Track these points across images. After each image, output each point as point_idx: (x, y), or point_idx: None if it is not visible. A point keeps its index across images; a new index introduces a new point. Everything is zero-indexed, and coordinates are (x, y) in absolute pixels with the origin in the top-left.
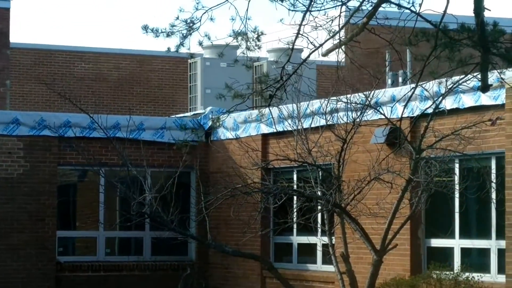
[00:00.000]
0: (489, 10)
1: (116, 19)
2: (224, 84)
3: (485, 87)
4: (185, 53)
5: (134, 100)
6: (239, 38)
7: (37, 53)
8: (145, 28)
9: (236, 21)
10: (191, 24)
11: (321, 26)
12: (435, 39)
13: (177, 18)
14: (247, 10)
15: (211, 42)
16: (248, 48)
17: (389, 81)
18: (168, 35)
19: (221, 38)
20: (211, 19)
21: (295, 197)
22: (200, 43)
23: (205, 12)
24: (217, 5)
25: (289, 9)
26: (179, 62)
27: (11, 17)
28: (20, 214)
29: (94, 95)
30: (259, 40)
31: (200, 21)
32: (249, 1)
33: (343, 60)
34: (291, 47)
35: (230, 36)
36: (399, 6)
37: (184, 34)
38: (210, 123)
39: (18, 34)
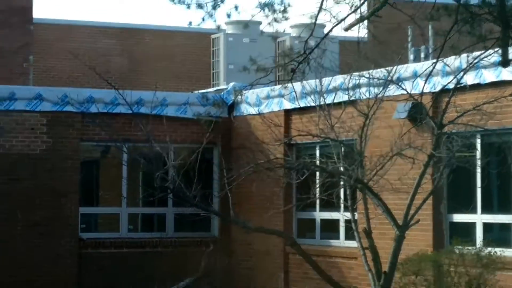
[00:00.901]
0: None
1: None
2: (246, 59)
3: (505, 62)
4: (213, 26)
5: (157, 75)
6: (266, 9)
7: (60, 28)
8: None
9: None
10: None
11: (343, 0)
12: (456, 14)
13: None
14: None
15: (239, 13)
16: (275, 20)
17: (411, 57)
18: (198, 7)
19: (248, 10)
20: None
21: (317, 173)
22: (228, 15)
23: None
24: None
25: None
26: (202, 38)
27: None
28: (42, 190)
29: (117, 71)
30: (286, 12)
31: None
32: None
33: (366, 36)
34: (313, 21)
35: (257, 7)
36: None
37: (212, 6)
38: (232, 97)
39: (41, 9)
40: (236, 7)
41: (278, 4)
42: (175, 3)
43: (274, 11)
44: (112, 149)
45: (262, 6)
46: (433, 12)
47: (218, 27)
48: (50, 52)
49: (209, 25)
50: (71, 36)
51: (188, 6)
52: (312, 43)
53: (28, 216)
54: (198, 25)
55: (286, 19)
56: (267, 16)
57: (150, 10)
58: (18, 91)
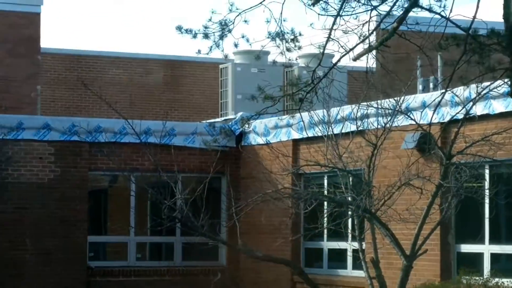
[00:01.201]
0: None
1: (147, 24)
2: (255, 89)
3: None
4: (220, 55)
5: (165, 105)
6: (277, 39)
7: (68, 58)
8: (180, 28)
9: (271, 23)
10: (224, 26)
11: (352, 30)
12: (465, 44)
13: (210, 19)
14: (281, 11)
15: (250, 44)
16: (287, 49)
17: (420, 87)
18: (205, 36)
19: (257, 40)
20: (245, 21)
21: (325, 203)
22: (236, 45)
23: (238, 15)
24: (251, 7)
25: (319, 14)
26: (210, 68)
27: (42, 22)
28: (51, 219)
29: (126, 100)
30: (297, 41)
31: (233, 23)
32: (283, 3)
33: (374, 65)
34: (322, 51)
35: (267, 37)
36: (429, 10)
37: (219, 36)
38: (240, 126)
39: (49, 39)
40: (243, 36)
41: (288, 33)
42: (182, 33)
43: (285, 40)
44: (120, 178)
45: (273, 37)
46: (442, 42)
47: (226, 56)
48: (58, 82)
49: (217, 54)
50: (79, 66)
51: (195, 36)
52: (320, 73)
53: (37, 244)
54: (207, 54)
55: (299, 48)
56: (278, 46)
57: (159, 40)
58: (26, 120)
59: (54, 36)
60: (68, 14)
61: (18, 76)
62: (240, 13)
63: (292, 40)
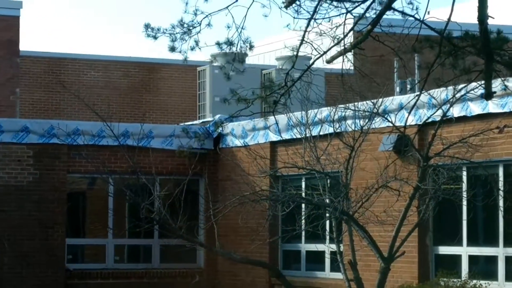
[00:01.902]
0: (493, 18)
1: (125, 27)
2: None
3: (488, 95)
4: (182, 58)
5: (143, 108)
6: (229, 48)
7: (47, 61)
8: (147, 26)
9: (232, 29)
10: (190, 28)
11: (325, 33)
12: (439, 46)
13: (181, 20)
14: (245, 16)
15: (199, 48)
16: (236, 59)
17: (397, 89)
18: (171, 36)
19: (210, 45)
20: (209, 24)
21: (303, 205)
22: (192, 48)
23: (205, 17)
24: (217, 10)
25: (293, 17)
26: (188, 70)
27: (21, 25)
28: (29, 221)
29: (104, 103)
30: (249, 50)
31: (200, 25)
32: (246, 13)
33: (351, 67)
34: (295, 53)
35: (222, 44)
36: (403, 13)
37: (181, 36)
38: (214, 129)
39: (28, 43)
40: (196, 42)
41: (243, 42)
42: (147, 31)
43: (236, 51)
44: (99, 181)
45: (227, 44)
46: (416, 45)
47: (185, 59)
48: (37, 84)
49: (194, 57)
50: (57, 69)
51: (155, 37)
52: (297, 75)
53: (15, 247)
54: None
55: (243, 60)
56: (226, 54)
57: (137, 43)
58: (4, 123)
59: (33, 39)
60: (47, 18)
61: None
62: (206, 15)
63: (246, 50)
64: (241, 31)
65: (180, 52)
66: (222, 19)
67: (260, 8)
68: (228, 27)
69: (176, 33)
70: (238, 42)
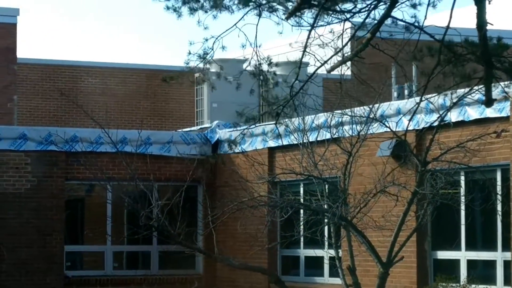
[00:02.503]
0: (492, 25)
1: (122, 34)
2: (230, 98)
3: (489, 101)
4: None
5: (141, 114)
6: (257, 76)
7: (44, 68)
8: (165, 79)
9: (246, 47)
10: (205, 56)
11: (326, 44)
12: (439, 54)
13: (189, 53)
14: (256, 37)
15: (226, 78)
16: (265, 81)
17: (395, 94)
18: (189, 73)
19: (218, 58)
20: (223, 47)
21: (301, 211)
22: (219, 76)
23: (215, 41)
24: (226, 31)
25: (293, 25)
26: (185, 76)
27: (18, 32)
28: (28, 229)
29: (101, 110)
30: (271, 67)
31: (213, 49)
32: (256, 33)
33: (349, 73)
34: (298, 65)
35: (247, 73)
36: (402, 21)
37: (202, 68)
38: (216, 135)
39: (25, 50)
40: (221, 68)
41: (264, 60)
42: (168, 82)
43: (263, 74)
44: (97, 187)
45: (252, 74)
46: (416, 53)
47: (212, 88)
48: (34, 92)
49: (193, 63)
50: (54, 76)
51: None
52: (296, 82)
53: (13, 254)
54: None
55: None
56: (258, 78)
57: (133, 49)
58: (2, 130)
59: (30, 46)
60: (44, 25)
61: None
62: (216, 38)
63: (269, 65)
64: (257, 49)
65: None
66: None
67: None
68: (243, 46)
69: (193, 67)
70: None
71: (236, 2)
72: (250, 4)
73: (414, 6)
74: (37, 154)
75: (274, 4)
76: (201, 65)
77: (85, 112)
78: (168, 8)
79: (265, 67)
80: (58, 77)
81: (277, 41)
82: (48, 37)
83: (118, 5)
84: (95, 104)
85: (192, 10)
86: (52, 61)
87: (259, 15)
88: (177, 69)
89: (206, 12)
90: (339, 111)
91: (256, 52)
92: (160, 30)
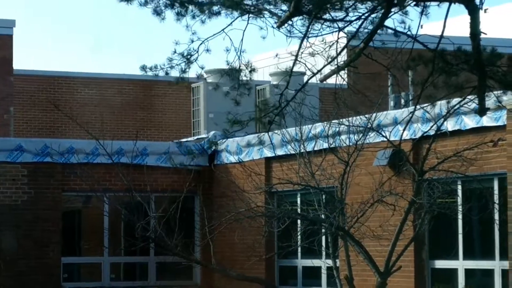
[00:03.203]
0: (485, 34)
1: (118, 45)
2: (227, 108)
3: (482, 111)
4: (185, 83)
5: (138, 125)
6: (233, 73)
7: (40, 80)
8: (144, 68)
9: (231, 52)
10: (188, 57)
11: (318, 53)
12: (432, 63)
13: (175, 52)
14: (241, 40)
15: (205, 78)
16: (242, 84)
17: (391, 103)
18: (166, 73)
19: (215, 68)
20: (207, 50)
21: (299, 221)
22: (198, 77)
23: (201, 43)
24: (213, 35)
25: (286, 35)
26: (182, 87)
27: (14, 44)
28: (25, 240)
29: (98, 121)
30: (251, 74)
31: (197, 52)
32: (244, 31)
33: (345, 83)
34: (289, 73)
35: (224, 71)
36: (395, 30)
37: (183, 68)
38: (208, 147)
39: (21, 61)
40: (202, 68)
41: (245, 66)
42: (146, 72)
43: (240, 75)
44: (94, 199)
45: (230, 72)
46: (410, 63)
47: (190, 84)
48: (31, 103)
49: (189, 74)
50: (51, 87)
51: (156, 75)
52: (292, 91)
53: (10, 266)
54: (176, 83)
55: (249, 82)
56: (232, 78)
57: (129, 60)
58: None
59: (26, 57)
60: (40, 36)
61: None
62: (202, 41)
63: (249, 72)
64: (240, 54)
65: (185, 80)
66: (217, 40)
67: (253, 26)
68: (227, 50)
69: (175, 65)
70: (239, 66)
71: (225, 5)
72: (240, 9)
73: (405, 13)
74: (34, 166)
75: (265, 9)
76: (183, 65)
77: (79, 125)
78: (155, 12)
79: (246, 73)
80: (55, 88)
81: (272, 52)
82: (44, 48)
83: (113, 17)
84: (91, 115)
85: (180, 16)
86: (48, 72)
87: (247, 20)
88: (174, 80)
89: (194, 17)
90: (336, 121)
91: (239, 57)
92: (157, 42)
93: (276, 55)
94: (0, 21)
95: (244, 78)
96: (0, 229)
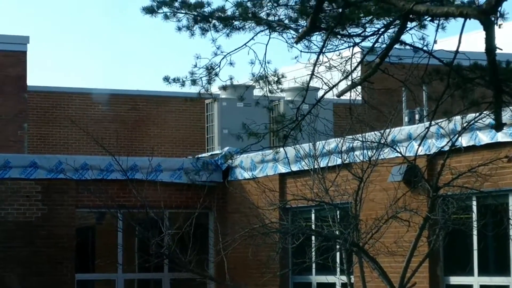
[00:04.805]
0: (501, 49)
1: (132, 60)
2: (240, 124)
3: (498, 126)
4: (209, 97)
5: (152, 141)
6: (260, 81)
7: (54, 96)
8: (167, 79)
9: (256, 65)
10: (211, 70)
11: (334, 67)
12: (448, 78)
13: (195, 65)
14: (265, 53)
15: (234, 86)
16: (270, 92)
17: (406, 119)
18: (193, 83)
19: (241, 81)
20: (230, 63)
21: (313, 237)
22: (224, 88)
23: (223, 57)
24: (235, 49)
25: (301, 51)
26: (195, 103)
27: (28, 60)
28: (39, 257)
29: (112, 137)
30: (280, 83)
31: (219, 66)
32: (266, 45)
33: (360, 98)
34: (305, 88)
35: (251, 80)
36: (412, 46)
37: (207, 81)
38: (224, 162)
39: (35, 78)
40: (231, 79)
41: (272, 74)
42: (169, 83)
43: (268, 82)
44: (107, 215)
45: (257, 80)
46: (425, 77)
47: (215, 100)
48: (45, 119)
49: (207, 97)
50: (65, 104)
51: (183, 84)
52: (306, 107)
53: (25, 283)
54: (192, 100)
55: (281, 90)
56: (262, 88)
57: (143, 76)
58: (12, 159)
59: (40, 74)
60: (54, 52)
61: (5, 114)
62: (225, 55)
63: (276, 82)
64: (266, 65)
65: (208, 92)
66: (237, 55)
67: (271, 43)
68: (252, 63)
69: (200, 77)
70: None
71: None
72: (264, 24)
73: (423, 26)
74: (48, 182)
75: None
76: (206, 79)
77: (95, 140)
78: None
79: (273, 85)
80: (68, 105)
81: (289, 67)
82: (58, 65)
83: (127, 33)
84: (105, 131)
85: (204, 31)
86: (62, 89)
87: (269, 35)
88: (188, 96)
89: (217, 31)
90: (350, 137)
91: (264, 69)
92: (171, 57)
93: (295, 57)
94: (14, 37)
95: (274, 86)
96: (14, 246)
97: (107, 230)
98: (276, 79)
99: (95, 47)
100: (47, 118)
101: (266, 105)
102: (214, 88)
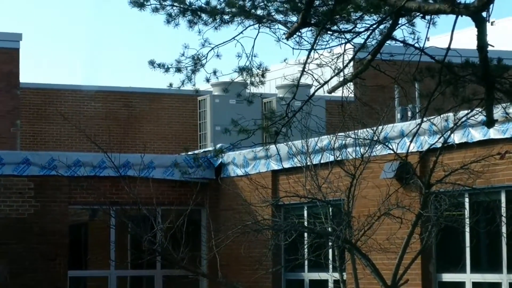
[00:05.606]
0: (493, 46)
1: (124, 57)
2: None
3: (490, 122)
4: (192, 89)
5: (144, 138)
6: (244, 73)
7: (47, 93)
8: (152, 63)
9: (242, 58)
10: (197, 61)
11: (326, 64)
12: (439, 75)
13: (183, 54)
14: (253, 46)
15: (217, 78)
16: (252, 84)
17: (398, 116)
18: (177, 70)
19: (226, 74)
20: (217, 55)
21: (305, 234)
22: (208, 80)
23: (211, 49)
24: (223, 42)
25: (293, 48)
26: (188, 100)
27: (21, 57)
28: (31, 254)
29: (104, 134)
30: (263, 76)
31: (206, 58)
32: (255, 39)
33: (352, 95)
34: (296, 84)
35: (235, 72)
36: (403, 43)
37: (191, 70)
38: (220, 160)
39: (28, 75)
40: (214, 72)
41: (257, 67)
42: (154, 67)
43: (251, 75)
44: (100, 212)
45: (240, 71)
46: (417, 75)
47: (197, 91)
48: (37, 116)
49: (190, 86)
50: (57, 101)
51: (167, 70)
52: (298, 103)
53: (17, 279)
54: (178, 87)
55: (263, 83)
56: (245, 80)
57: (136, 73)
58: (5, 155)
59: (33, 71)
60: (46, 49)
61: None
62: (212, 48)
63: (259, 75)
64: (252, 59)
65: (191, 83)
66: (225, 49)
67: (261, 39)
68: (239, 56)
69: (185, 66)
70: (250, 70)
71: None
72: (252, 17)
73: (413, 25)
74: (40, 179)
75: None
76: (191, 68)
77: (88, 137)
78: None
79: (256, 78)
80: (61, 102)
81: (280, 65)
82: (51, 62)
83: (119, 29)
84: (98, 128)
85: (192, 23)
86: (55, 85)
87: (258, 29)
88: (180, 94)
89: (206, 24)
90: (343, 134)
91: (250, 62)
92: (164, 53)
93: (285, 60)
94: (6, 34)
95: (256, 79)
96: (6, 243)
97: (99, 227)
98: (260, 72)
99: (87, 44)
100: (40, 115)
101: (248, 99)
102: (207, 85)
